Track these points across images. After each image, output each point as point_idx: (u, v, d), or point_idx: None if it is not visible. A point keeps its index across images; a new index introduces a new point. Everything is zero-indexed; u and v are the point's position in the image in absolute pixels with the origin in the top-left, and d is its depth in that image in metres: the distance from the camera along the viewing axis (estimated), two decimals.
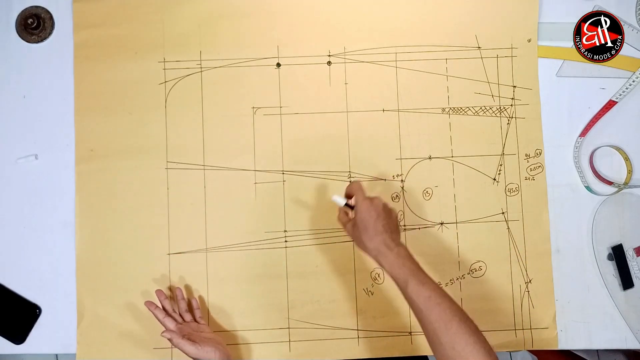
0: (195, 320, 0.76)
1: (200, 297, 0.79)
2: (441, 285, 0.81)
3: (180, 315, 0.75)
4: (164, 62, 0.81)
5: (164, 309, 0.74)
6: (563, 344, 0.81)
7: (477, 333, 0.58)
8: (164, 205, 0.80)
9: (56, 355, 1.04)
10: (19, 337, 0.79)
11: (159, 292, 0.75)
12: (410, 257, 0.65)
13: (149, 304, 0.74)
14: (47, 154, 0.81)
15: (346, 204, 0.72)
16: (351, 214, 0.72)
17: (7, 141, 0.81)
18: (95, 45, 0.81)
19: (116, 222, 0.79)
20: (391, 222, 0.69)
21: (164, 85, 0.81)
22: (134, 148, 0.80)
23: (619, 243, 0.82)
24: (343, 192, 0.74)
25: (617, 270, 0.81)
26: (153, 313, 0.73)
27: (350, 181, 0.81)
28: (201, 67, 0.81)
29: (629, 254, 0.82)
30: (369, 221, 0.67)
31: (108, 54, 0.81)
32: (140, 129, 0.80)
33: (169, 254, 0.80)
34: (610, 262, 0.82)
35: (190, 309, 0.77)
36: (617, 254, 0.81)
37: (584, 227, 0.83)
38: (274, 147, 0.81)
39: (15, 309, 0.79)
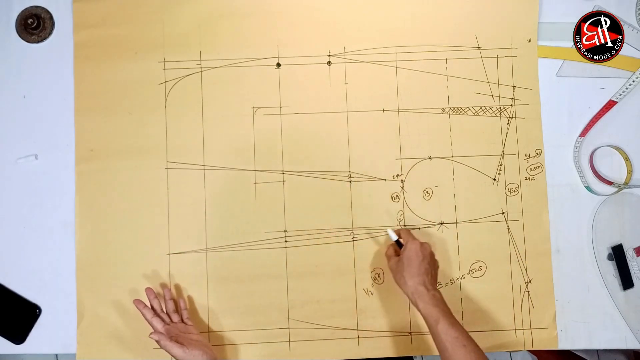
0: (182, 321, 0.75)
1: (189, 297, 0.79)
2: (441, 286, 0.81)
3: (168, 315, 0.75)
4: (164, 62, 0.81)
5: (152, 308, 0.74)
6: (563, 344, 0.81)
7: None
8: (164, 205, 0.80)
9: (56, 355, 1.03)
10: (19, 337, 0.79)
11: (148, 291, 0.75)
12: (443, 301, 0.70)
13: (137, 302, 0.73)
14: (47, 154, 0.81)
15: (397, 241, 0.77)
16: (398, 251, 0.76)
17: (7, 141, 0.81)
18: (95, 45, 0.81)
19: (116, 222, 0.79)
20: (433, 269, 0.74)
21: (164, 85, 0.81)
22: (134, 148, 0.80)
23: (619, 243, 0.82)
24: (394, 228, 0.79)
25: (617, 270, 0.81)
26: (141, 312, 0.73)
27: (350, 181, 0.81)
28: (201, 67, 0.81)
29: (629, 254, 0.82)
30: (415, 260, 0.71)
31: (108, 54, 0.81)
32: (140, 129, 0.80)
33: (169, 254, 0.79)
34: (610, 262, 0.82)
35: (177, 309, 0.77)
36: (617, 254, 0.81)
37: (584, 227, 0.83)
38: (274, 147, 0.81)
39: (15, 309, 0.79)
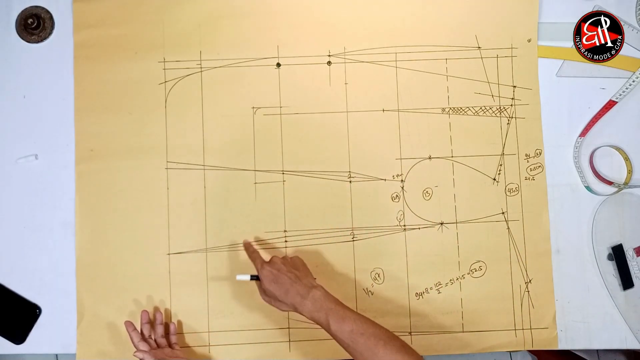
0: (170, 345, 0.75)
1: (179, 321, 0.79)
2: (441, 286, 0.81)
3: (156, 340, 0.75)
4: (164, 62, 0.81)
5: (141, 332, 0.74)
6: (563, 344, 0.81)
7: (403, 349, 0.61)
8: (164, 205, 0.80)
9: (56, 355, 1.03)
10: (19, 337, 0.79)
11: (143, 314, 0.76)
12: (326, 297, 0.67)
13: (127, 324, 0.74)
14: (47, 154, 0.81)
15: (252, 277, 0.74)
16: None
17: (7, 141, 0.81)
18: (95, 45, 0.81)
19: (116, 222, 0.79)
20: (297, 270, 0.71)
21: (164, 85, 0.81)
22: (134, 148, 0.80)
23: (619, 243, 0.82)
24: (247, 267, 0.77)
25: (617, 270, 0.81)
26: (129, 334, 0.73)
27: (350, 181, 0.81)
28: (201, 67, 0.81)
29: (629, 254, 0.82)
30: (274, 283, 0.69)
31: (108, 54, 0.81)
32: (140, 129, 0.80)
33: (169, 254, 0.79)
34: (610, 262, 0.82)
35: (167, 334, 0.77)
36: (617, 254, 0.81)
37: (584, 227, 0.83)
38: (274, 147, 0.81)
39: (15, 309, 0.79)
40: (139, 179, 0.80)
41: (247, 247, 0.78)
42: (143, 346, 0.72)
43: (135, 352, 0.71)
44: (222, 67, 0.81)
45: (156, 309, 0.78)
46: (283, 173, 0.81)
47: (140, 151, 0.80)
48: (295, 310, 0.68)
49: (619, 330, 0.81)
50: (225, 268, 0.80)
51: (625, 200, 0.83)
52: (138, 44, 0.81)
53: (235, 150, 0.81)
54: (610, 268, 0.82)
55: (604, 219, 0.82)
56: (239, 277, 0.74)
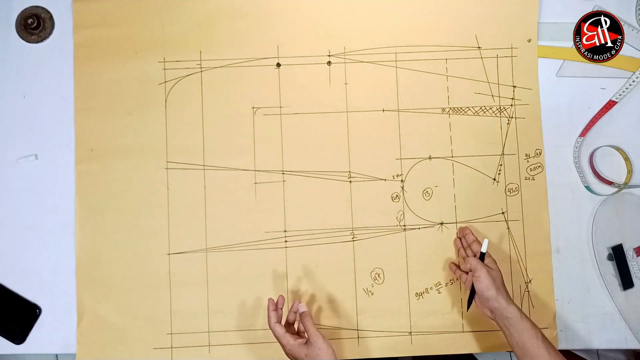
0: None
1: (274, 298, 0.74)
2: (441, 286, 0.81)
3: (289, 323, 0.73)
4: (164, 62, 0.81)
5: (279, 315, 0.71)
6: (563, 344, 0.81)
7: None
8: (164, 205, 0.80)
9: (56, 355, 1.03)
10: (19, 337, 0.79)
11: (280, 299, 0.72)
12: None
13: (270, 301, 0.71)
14: (47, 154, 0.81)
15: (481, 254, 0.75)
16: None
17: (7, 141, 0.81)
18: (95, 45, 0.81)
19: (116, 222, 0.79)
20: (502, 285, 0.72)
21: (164, 85, 0.81)
22: (134, 148, 0.80)
23: (619, 243, 0.82)
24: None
25: (617, 270, 0.81)
26: (268, 313, 0.70)
27: (350, 181, 0.81)
28: (201, 67, 0.81)
29: (629, 254, 0.82)
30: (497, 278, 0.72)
31: (108, 54, 0.81)
32: (140, 129, 0.80)
33: (169, 254, 0.79)
34: (610, 262, 0.82)
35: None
36: (617, 254, 0.81)
37: (584, 227, 0.83)
38: (274, 147, 0.81)
39: (15, 309, 0.79)
40: (139, 179, 0.80)
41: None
42: (280, 328, 0.69)
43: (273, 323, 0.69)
44: (222, 67, 0.81)
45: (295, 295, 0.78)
46: (283, 173, 0.81)
47: (140, 151, 0.80)
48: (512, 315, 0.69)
49: (619, 330, 0.81)
50: (225, 268, 0.80)
51: (625, 200, 0.83)
52: (138, 44, 0.81)
53: (235, 150, 0.81)
54: (610, 268, 0.82)
55: (604, 219, 0.82)
56: (486, 242, 0.74)
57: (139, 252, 0.79)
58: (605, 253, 0.82)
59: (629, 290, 0.81)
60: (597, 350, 0.97)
